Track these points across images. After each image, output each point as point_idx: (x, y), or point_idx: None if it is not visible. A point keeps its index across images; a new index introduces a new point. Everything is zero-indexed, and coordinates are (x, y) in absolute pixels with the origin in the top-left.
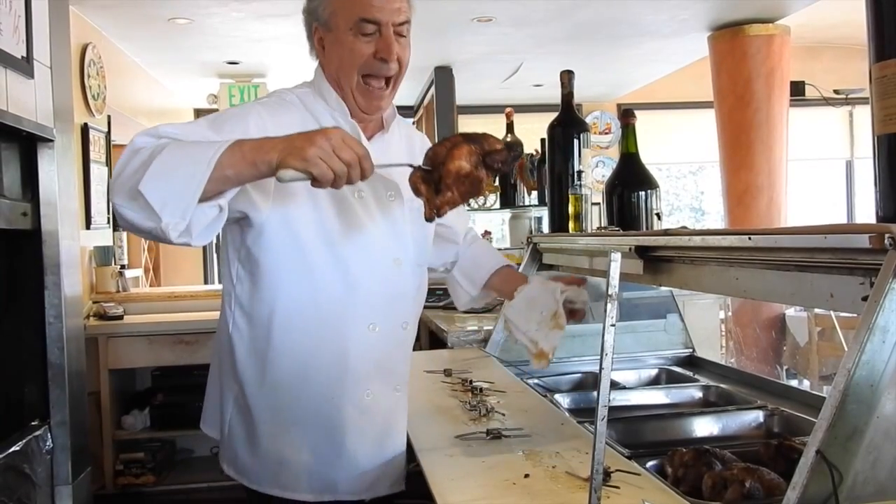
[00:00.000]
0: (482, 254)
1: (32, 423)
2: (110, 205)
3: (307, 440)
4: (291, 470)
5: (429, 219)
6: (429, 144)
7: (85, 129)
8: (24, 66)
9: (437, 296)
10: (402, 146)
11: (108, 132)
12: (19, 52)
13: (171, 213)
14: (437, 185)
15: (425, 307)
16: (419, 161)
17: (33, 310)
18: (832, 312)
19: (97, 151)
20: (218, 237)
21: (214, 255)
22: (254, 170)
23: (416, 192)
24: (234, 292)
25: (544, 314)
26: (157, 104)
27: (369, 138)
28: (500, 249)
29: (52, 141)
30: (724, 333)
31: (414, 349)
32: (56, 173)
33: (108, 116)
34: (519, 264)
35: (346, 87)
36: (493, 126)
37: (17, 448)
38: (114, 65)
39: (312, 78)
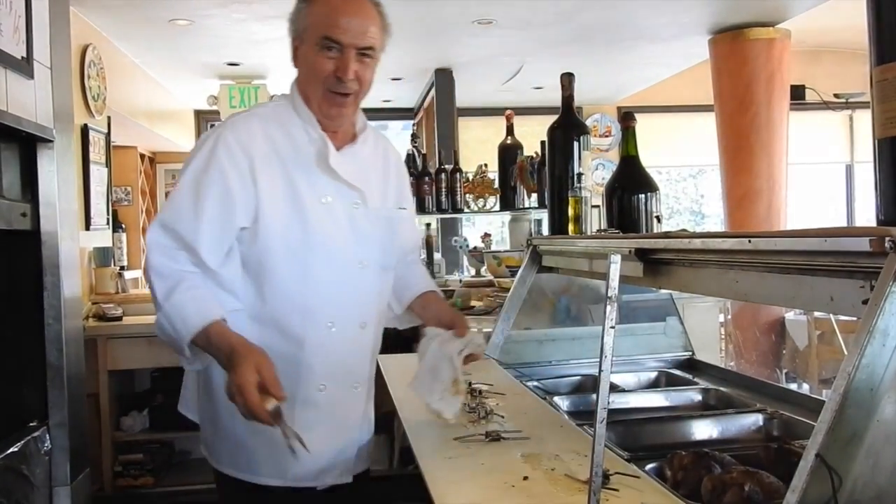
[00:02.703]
0: (414, 275)
1: (31, 425)
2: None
3: (259, 424)
4: (246, 452)
5: None
6: (402, 161)
7: (85, 130)
8: (24, 66)
9: None
10: (375, 160)
11: (108, 133)
12: (19, 52)
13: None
14: None
15: None
16: (392, 172)
17: (32, 311)
18: (832, 316)
19: (97, 152)
20: None
21: None
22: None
23: None
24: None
25: (445, 383)
26: (157, 105)
27: (338, 149)
28: (500, 252)
29: (51, 142)
30: (723, 336)
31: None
32: (56, 174)
33: (108, 117)
34: (519, 266)
35: (312, 98)
36: (493, 128)
37: (16, 449)
38: (114, 66)
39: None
